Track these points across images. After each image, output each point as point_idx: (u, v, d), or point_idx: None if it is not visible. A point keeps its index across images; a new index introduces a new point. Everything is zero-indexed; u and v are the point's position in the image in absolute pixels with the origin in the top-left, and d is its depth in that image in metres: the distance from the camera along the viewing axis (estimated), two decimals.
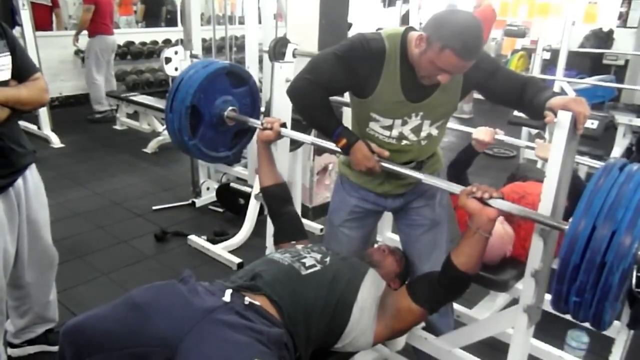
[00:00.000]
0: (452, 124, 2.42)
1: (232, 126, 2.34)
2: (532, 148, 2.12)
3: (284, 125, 2.14)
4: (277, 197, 2.10)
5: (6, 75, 1.88)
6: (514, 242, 2.23)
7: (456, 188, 1.66)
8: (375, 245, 2.16)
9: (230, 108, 2.29)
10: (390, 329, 1.73)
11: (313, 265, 1.71)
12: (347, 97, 1.98)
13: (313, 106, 1.87)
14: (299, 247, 1.86)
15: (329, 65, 1.78)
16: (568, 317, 2.28)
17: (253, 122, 2.28)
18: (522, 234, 2.19)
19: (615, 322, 2.19)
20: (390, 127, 1.85)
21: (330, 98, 1.90)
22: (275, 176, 2.12)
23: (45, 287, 2.30)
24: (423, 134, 1.88)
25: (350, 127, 2.03)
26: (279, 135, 2.11)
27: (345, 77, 1.78)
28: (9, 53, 1.87)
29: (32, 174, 2.10)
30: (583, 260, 1.22)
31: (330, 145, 1.97)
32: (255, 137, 2.29)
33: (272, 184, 2.10)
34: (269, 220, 2.39)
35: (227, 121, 2.30)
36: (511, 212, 1.54)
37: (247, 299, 1.53)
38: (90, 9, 6.08)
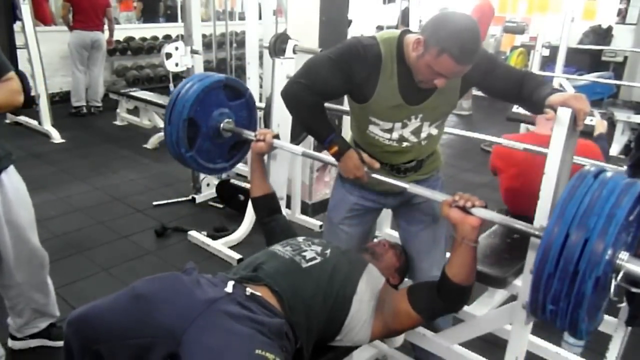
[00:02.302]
0: (451, 128, 2.44)
1: (228, 138, 2.39)
2: (531, 150, 2.12)
3: (276, 136, 2.17)
4: (266, 207, 2.14)
5: None
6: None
7: (439, 196, 1.67)
8: (375, 240, 2.17)
9: (226, 120, 2.33)
10: (388, 328, 1.75)
11: (313, 258, 1.72)
12: (346, 104, 1.98)
13: (306, 111, 1.87)
14: (300, 239, 1.87)
15: (323, 69, 1.77)
16: None
17: (247, 133, 2.31)
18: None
19: (613, 319, 2.21)
20: (390, 130, 1.86)
21: (330, 106, 1.90)
22: (266, 187, 2.16)
23: (39, 286, 2.28)
24: (423, 134, 1.88)
25: (350, 131, 2.04)
26: (272, 147, 2.16)
27: (340, 82, 1.77)
28: None
29: (10, 177, 2.06)
30: (557, 269, 1.22)
31: (322, 156, 2.02)
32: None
33: (261, 195, 2.14)
34: None
35: (223, 133, 2.35)
36: (493, 219, 1.57)
37: (249, 290, 1.55)
38: (65, 6, 6.20)
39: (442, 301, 1.67)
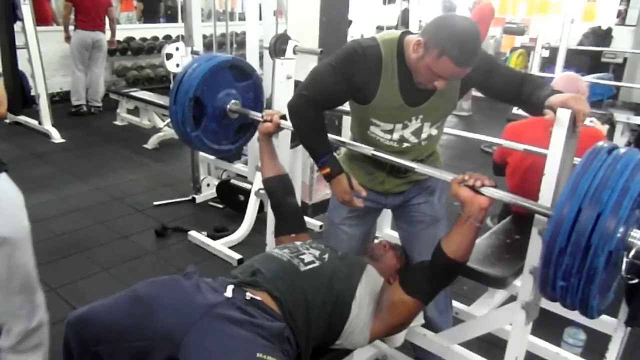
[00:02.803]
0: (451, 129, 2.45)
1: (235, 120, 2.37)
2: (531, 151, 2.12)
3: (283, 117, 2.15)
4: (278, 188, 2.11)
5: None
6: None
7: (448, 176, 1.65)
8: (376, 241, 2.17)
9: (232, 101, 2.32)
10: (386, 324, 1.74)
11: (312, 262, 1.71)
12: (346, 104, 1.98)
13: (306, 126, 1.88)
14: (298, 243, 1.86)
15: (325, 78, 1.78)
16: (565, 314, 2.30)
17: (254, 114, 2.30)
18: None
19: (612, 319, 2.21)
20: (391, 131, 1.87)
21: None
22: (277, 168, 2.14)
23: (20, 311, 1.91)
24: (423, 135, 1.89)
25: (350, 131, 2.04)
26: (279, 127, 2.14)
27: (343, 87, 1.78)
28: None
29: None
30: (568, 244, 1.20)
31: None
32: (256, 134, 2.31)
33: (273, 176, 2.11)
34: (269, 217, 2.40)
35: (229, 114, 2.33)
36: (502, 199, 1.55)
37: (249, 294, 1.54)
38: (67, 6, 6.22)
39: (434, 278, 1.66)
